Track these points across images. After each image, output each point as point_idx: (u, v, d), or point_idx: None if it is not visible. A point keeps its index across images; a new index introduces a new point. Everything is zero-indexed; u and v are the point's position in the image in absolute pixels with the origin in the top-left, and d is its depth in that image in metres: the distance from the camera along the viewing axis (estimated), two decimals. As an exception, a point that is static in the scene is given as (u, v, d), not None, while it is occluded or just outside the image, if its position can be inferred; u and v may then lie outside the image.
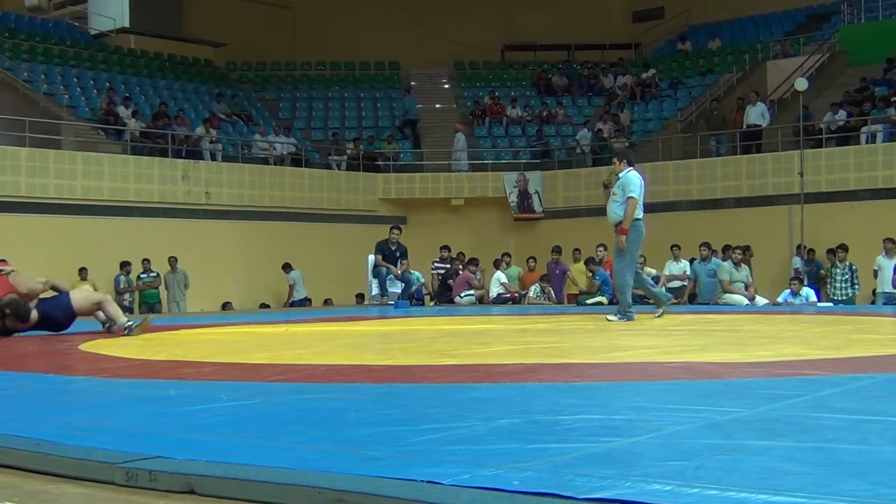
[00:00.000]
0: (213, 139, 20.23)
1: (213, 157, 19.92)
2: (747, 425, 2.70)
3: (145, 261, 17.35)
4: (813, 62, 21.68)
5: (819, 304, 13.33)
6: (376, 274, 14.28)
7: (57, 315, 7.66)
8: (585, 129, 22.44)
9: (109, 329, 7.65)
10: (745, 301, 13.44)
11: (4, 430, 2.75)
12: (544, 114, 24.01)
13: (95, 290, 16.01)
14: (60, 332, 7.73)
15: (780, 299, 13.82)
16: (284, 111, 25.03)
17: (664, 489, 1.89)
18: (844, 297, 14.40)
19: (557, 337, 6.82)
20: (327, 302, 18.63)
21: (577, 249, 16.48)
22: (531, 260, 16.86)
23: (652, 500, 1.82)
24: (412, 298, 14.13)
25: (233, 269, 19.06)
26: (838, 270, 14.69)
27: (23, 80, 20.33)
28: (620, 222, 8.79)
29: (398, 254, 14.17)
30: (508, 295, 15.29)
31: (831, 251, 15.27)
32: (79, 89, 21.20)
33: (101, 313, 7.80)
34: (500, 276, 15.65)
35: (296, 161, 21.35)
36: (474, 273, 15.85)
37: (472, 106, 25.10)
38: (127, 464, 2.25)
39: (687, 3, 28.05)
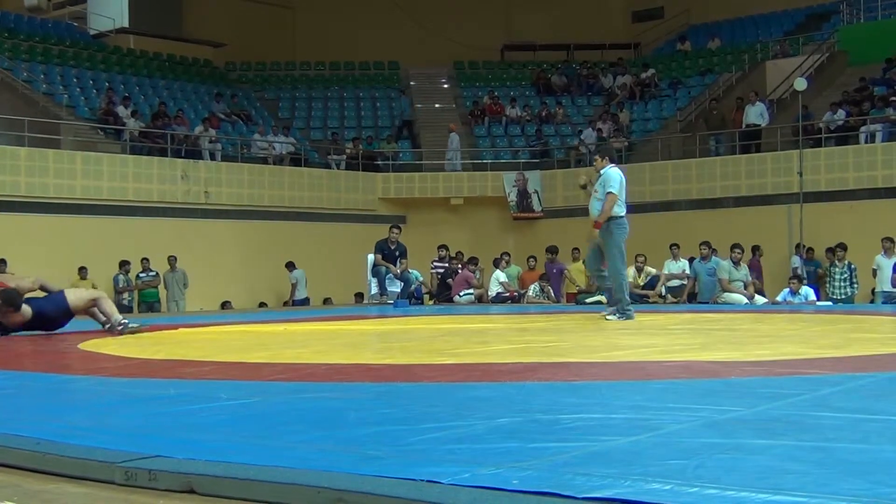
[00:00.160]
0: (213, 139, 20.22)
1: (213, 157, 19.92)
2: (747, 424, 2.70)
3: (144, 260, 17.35)
4: (812, 62, 21.69)
5: (818, 304, 13.32)
6: (375, 273, 14.28)
7: (52, 312, 7.62)
8: (590, 129, 22.43)
9: (111, 329, 7.63)
10: (745, 300, 13.44)
11: (4, 429, 2.75)
12: (543, 113, 24.01)
13: (94, 289, 16.06)
14: (57, 331, 7.72)
15: (779, 298, 13.81)
16: (284, 111, 25.04)
17: (664, 488, 1.89)
18: (843, 297, 14.40)
19: (557, 336, 6.82)
20: (327, 301, 18.63)
21: (575, 249, 16.46)
22: (531, 259, 16.87)
23: (652, 499, 1.82)
24: (411, 297, 14.13)
25: (232, 268, 19.06)
26: (837, 270, 14.69)
27: (22, 79, 20.33)
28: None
29: (397, 253, 14.16)
30: (507, 294, 15.29)
31: (830, 250, 15.28)
32: (78, 89, 21.20)
33: (99, 313, 7.79)
34: (499, 275, 15.65)
35: (295, 161, 21.35)
36: (473, 272, 15.85)
37: (471, 106, 25.11)
38: (126, 463, 2.25)
39: (686, 3, 28.05)
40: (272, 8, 28.45)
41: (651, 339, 6.36)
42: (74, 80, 21.67)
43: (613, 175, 8.78)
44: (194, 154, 19.62)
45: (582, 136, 22.22)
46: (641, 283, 14.56)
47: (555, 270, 15.97)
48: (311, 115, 25.03)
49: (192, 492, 2.13)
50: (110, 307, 7.82)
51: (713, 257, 14.46)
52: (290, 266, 18.92)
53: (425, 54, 26.83)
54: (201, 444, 2.51)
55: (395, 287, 14.12)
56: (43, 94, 20.05)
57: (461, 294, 15.17)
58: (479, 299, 15.36)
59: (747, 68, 23.39)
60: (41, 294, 8.03)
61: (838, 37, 22.76)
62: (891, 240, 14.02)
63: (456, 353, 5.52)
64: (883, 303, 13.61)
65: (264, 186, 19.88)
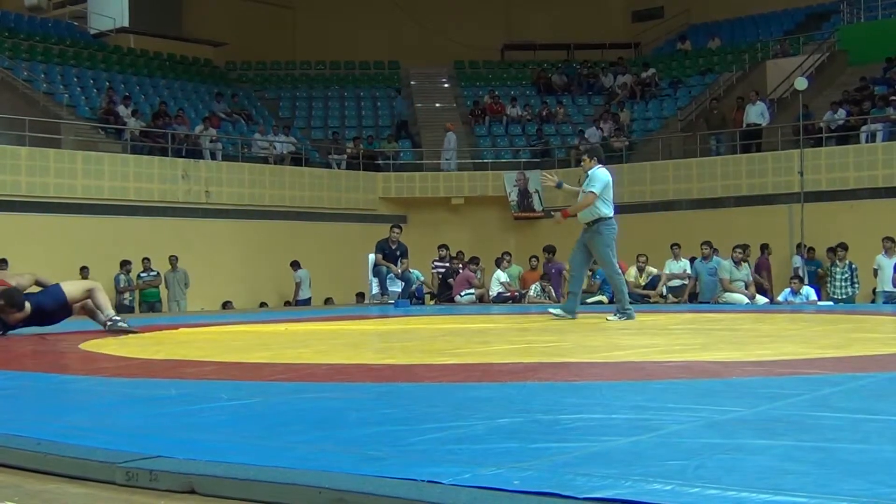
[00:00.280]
0: (214, 138, 20.23)
1: (213, 157, 19.93)
2: (747, 424, 2.70)
3: (145, 260, 17.36)
4: (812, 61, 21.69)
5: (819, 303, 13.32)
6: (376, 273, 14.28)
7: (51, 306, 7.58)
8: (594, 127, 22.41)
9: (111, 329, 7.62)
10: (746, 300, 13.44)
11: (4, 429, 2.74)
12: (544, 113, 24.02)
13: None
14: (56, 327, 7.70)
15: (780, 298, 13.82)
16: (284, 110, 25.05)
17: (664, 489, 1.89)
18: (844, 296, 14.40)
19: (557, 336, 6.82)
20: (328, 301, 18.64)
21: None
22: (533, 259, 16.87)
23: (652, 499, 1.82)
24: (412, 297, 14.14)
25: (233, 268, 19.07)
26: (838, 269, 14.69)
27: (22, 79, 20.33)
28: (591, 221, 8.72)
29: (398, 253, 14.17)
30: (508, 294, 15.29)
31: (831, 250, 15.27)
32: (78, 88, 21.21)
33: (95, 309, 7.78)
34: (499, 275, 15.65)
35: (296, 160, 21.36)
36: (474, 272, 15.85)
37: (471, 105, 25.11)
38: (127, 463, 2.25)
39: (686, 2, 28.06)
40: (272, 7, 28.46)
41: (652, 339, 6.36)
42: (75, 79, 21.68)
43: (599, 176, 8.76)
44: (195, 154, 19.63)
45: (586, 135, 22.22)
46: (643, 283, 14.57)
47: (553, 270, 15.96)
48: (311, 115, 25.03)
49: (192, 492, 2.13)
50: (104, 300, 7.78)
51: (714, 257, 14.46)
52: (295, 265, 18.92)
53: (425, 54, 26.83)
54: (202, 445, 2.51)
55: (396, 287, 14.12)
56: (43, 93, 20.06)
57: (462, 294, 15.18)
58: (480, 299, 15.37)
59: (748, 68, 23.39)
60: (37, 289, 8.02)
61: (838, 36, 22.77)
62: (891, 239, 14.02)
63: (457, 353, 5.52)
64: (884, 303, 13.61)
65: (265, 186, 19.89)
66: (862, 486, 1.90)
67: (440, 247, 16.58)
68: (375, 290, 14.46)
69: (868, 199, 17.35)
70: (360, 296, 17.24)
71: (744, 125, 19.89)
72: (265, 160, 20.87)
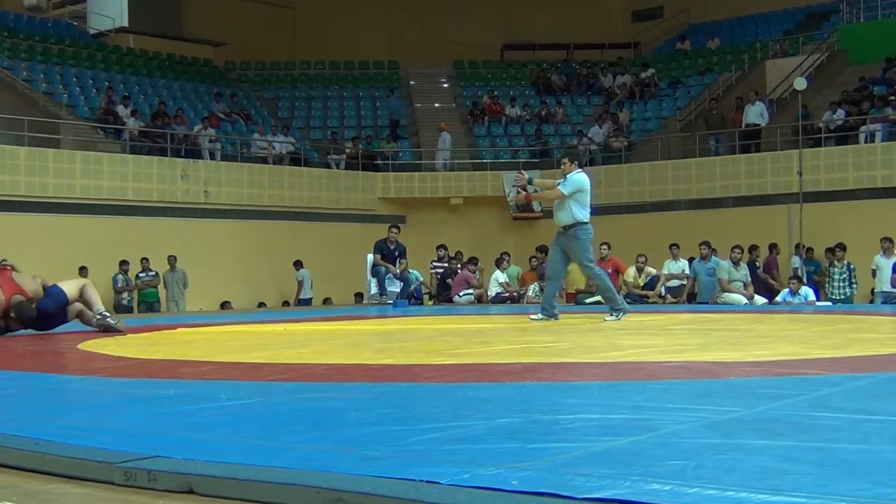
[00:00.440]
0: (213, 138, 20.23)
1: (212, 157, 19.93)
2: (746, 425, 2.70)
3: (144, 260, 17.35)
4: (812, 61, 21.70)
5: (818, 304, 13.32)
6: (375, 273, 14.28)
7: (53, 308, 7.68)
8: (596, 126, 22.40)
9: (99, 323, 7.68)
10: (744, 300, 13.44)
11: (4, 429, 2.74)
12: (543, 113, 24.02)
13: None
14: (55, 327, 7.76)
15: (778, 298, 13.82)
16: (283, 110, 25.04)
17: (663, 489, 1.89)
18: (842, 297, 14.40)
19: (556, 336, 6.82)
20: (326, 301, 18.63)
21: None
22: (532, 259, 16.84)
23: (651, 499, 1.82)
24: (411, 297, 14.14)
25: (232, 268, 19.06)
26: (836, 270, 14.69)
27: (22, 79, 20.33)
28: (568, 225, 8.74)
29: (397, 253, 14.17)
30: (507, 294, 15.30)
31: (830, 250, 15.27)
32: (78, 88, 21.20)
33: (87, 313, 7.85)
34: (498, 275, 15.65)
35: (295, 160, 21.35)
36: (473, 272, 15.85)
37: (471, 105, 25.11)
38: (126, 463, 2.25)
39: (686, 2, 28.06)
40: (272, 7, 28.46)
41: (651, 340, 6.36)
42: (74, 79, 21.67)
43: (574, 179, 8.79)
44: (194, 154, 19.62)
45: (589, 135, 22.22)
46: (641, 284, 14.58)
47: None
48: (310, 115, 25.03)
49: (191, 492, 2.13)
50: (94, 296, 7.85)
51: (713, 257, 14.46)
52: (298, 265, 18.91)
53: (425, 54, 26.83)
54: (201, 445, 2.51)
55: (395, 287, 14.12)
56: (42, 93, 20.05)
57: (461, 294, 15.18)
58: (479, 299, 15.37)
59: (747, 68, 23.39)
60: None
61: (838, 36, 22.77)
62: (890, 240, 14.02)
63: (456, 353, 5.52)
64: (882, 303, 13.61)
65: (264, 186, 19.88)
66: (861, 487, 1.90)
67: (439, 247, 16.58)
68: (374, 290, 14.47)
69: (867, 199, 17.34)
70: (359, 296, 17.23)
71: (743, 125, 19.89)
72: (264, 160, 20.87)
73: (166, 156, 18.95)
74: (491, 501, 1.88)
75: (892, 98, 18.58)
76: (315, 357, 5.41)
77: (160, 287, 17.59)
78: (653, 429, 2.62)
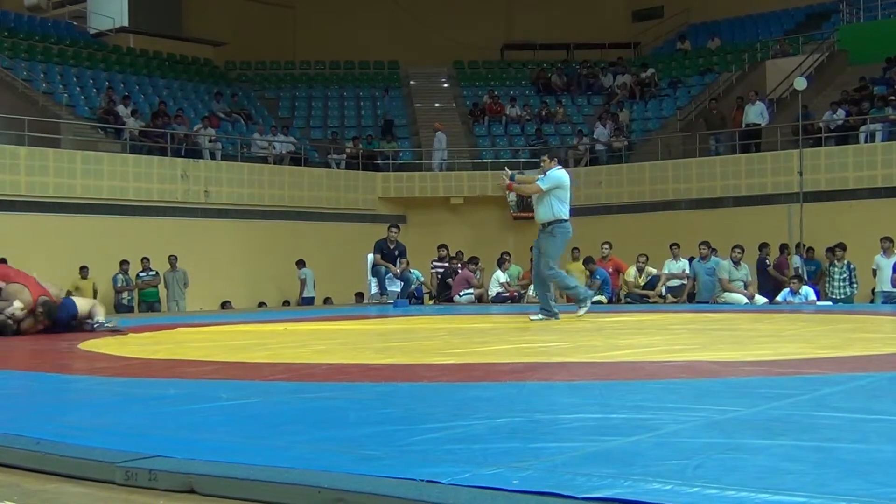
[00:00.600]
0: (213, 138, 20.23)
1: (213, 156, 19.93)
2: (747, 424, 2.70)
3: (144, 259, 17.34)
4: (812, 61, 21.69)
5: (818, 303, 13.32)
6: (375, 273, 14.28)
7: (65, 318, 7.91)
8: (600, 125, 22.37)
9: (97, 328, 7.80)
10: (745, 300, 13.44)
11: (4, 429, 2.74)
12: (543, 113, 24.02)
13: (95, 289, 16.23)
14: (57, 331, 7.85)
15: (779, 298, 13.81)
16: (284, 110, 25.04)
17: (664, 488, 1.89)
18: (843, 296, 14.40)
19: (556, 336, 6.82)
20: (327, 301, 18.63)
21: (575, 248, 16.42)
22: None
23: (651, 499, 1.82)
24: (411, 297, 14.14)
25: (232, 268, 19.06)
26: (836, 269, 14.68)
27: (22, 78, 20.32)
28: (547, 222, 8.77)
29: (397, 252, 14.16)
30: (508, 294, 15.29)
31: (830, 250, 15.26)
32: (78, 88, 21.20)
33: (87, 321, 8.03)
34: (499, 275, 15.65)
35: (295, 160, 21.36)
36: (473, 272, 15.84)
37: (471, 105, 25.11)
38: (126, 463, 2.25)
39: (686, 2, 28.05)
40: (272, 7, 28.45)
41: (651, 339, 6.36)
42: (74, 79, 21.67)
43: (554, 175, 8.84)
44: (194, 153, 19.62)
45: (595, 135, 22.21)
46: (642, 283, 14.57)
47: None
48: (310, 115, 25.03)
49: (192, 492, 2.13)
50: (99, 313, 8.13)
51: (713, 257, 14.46)
52: (300, 264, 18.91)
53: (425, 54, 26.83)
54: (201, 444, 2.51)
55: (395, 287, 14.12)
56: (43, 93, 20.05)
57: (461, 294, 15.18)
58: (480, 299, 15.37)
59: (747, 68, 23.39)
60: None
61: (838, 36, 22.76)
62: (890, 239, 14.02)
63: (456, 352, 5.52)
64: (882, 303, 13.61)
65: (264, 186, 19.88)
66: (861, 486, 1.90)
67: (439, 247, 16.58)
68: (374, 289, 14.46)
69: (867, 199, 17.34)
70: (360, 296, 17.23)
71: (743, 125, 19.88)
72: (264, 160, 20.87)
73: (166, 156, 18.95)
74: (491, 501, 1.88)
75: (893, 98, 18.57)
76: (315, 357, 5.41)
77: (161, 287, 17.59)
78: (653, 428, 2.62)
